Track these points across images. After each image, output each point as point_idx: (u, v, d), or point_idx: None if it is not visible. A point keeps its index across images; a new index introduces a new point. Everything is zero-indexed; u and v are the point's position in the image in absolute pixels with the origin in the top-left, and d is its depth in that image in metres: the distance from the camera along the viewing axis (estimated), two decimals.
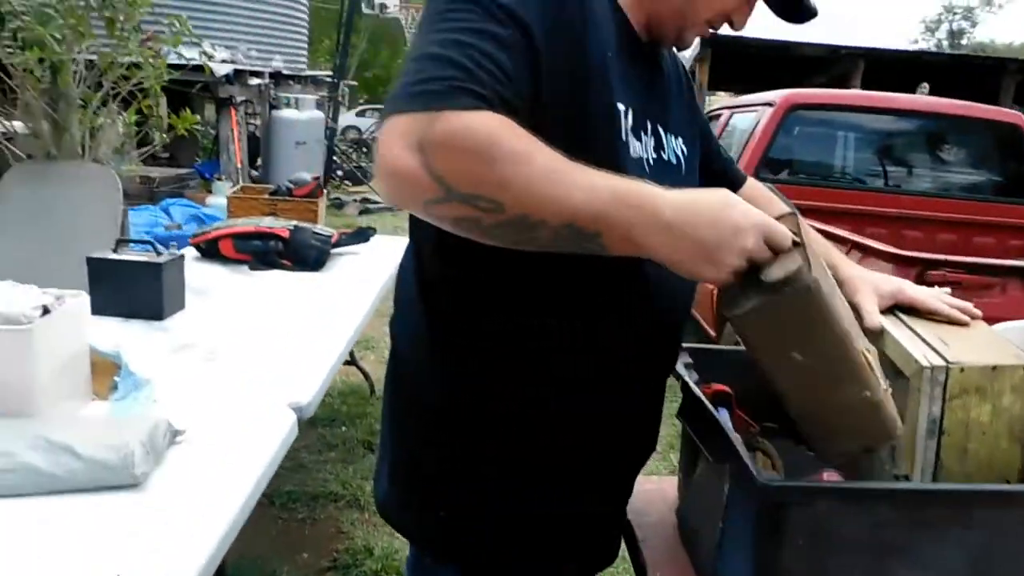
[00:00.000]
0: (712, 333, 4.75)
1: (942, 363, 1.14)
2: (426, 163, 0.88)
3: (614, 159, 1.08)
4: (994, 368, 1.15)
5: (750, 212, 0.98)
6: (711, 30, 1.23)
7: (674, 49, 1.36)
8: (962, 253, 4.89)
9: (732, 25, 1.23)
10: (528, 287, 1.11)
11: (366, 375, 4.33)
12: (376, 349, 5.12)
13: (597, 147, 1.06)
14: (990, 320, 2.32)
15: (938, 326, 1.28)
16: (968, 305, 1.33)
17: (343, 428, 3.92)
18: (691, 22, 1.20)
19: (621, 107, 1.12)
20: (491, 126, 0.90)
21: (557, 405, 1.17)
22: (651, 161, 1.20)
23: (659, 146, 1.24)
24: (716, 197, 0.98)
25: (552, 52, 1.02)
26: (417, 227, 1.19)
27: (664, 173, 1.22)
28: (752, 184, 1.55)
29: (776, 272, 0.96)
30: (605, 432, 1.22)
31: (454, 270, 1.14)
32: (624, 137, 1.13)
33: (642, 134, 1.19)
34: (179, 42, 3.87)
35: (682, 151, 1.30)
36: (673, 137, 1.29)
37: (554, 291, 1.11)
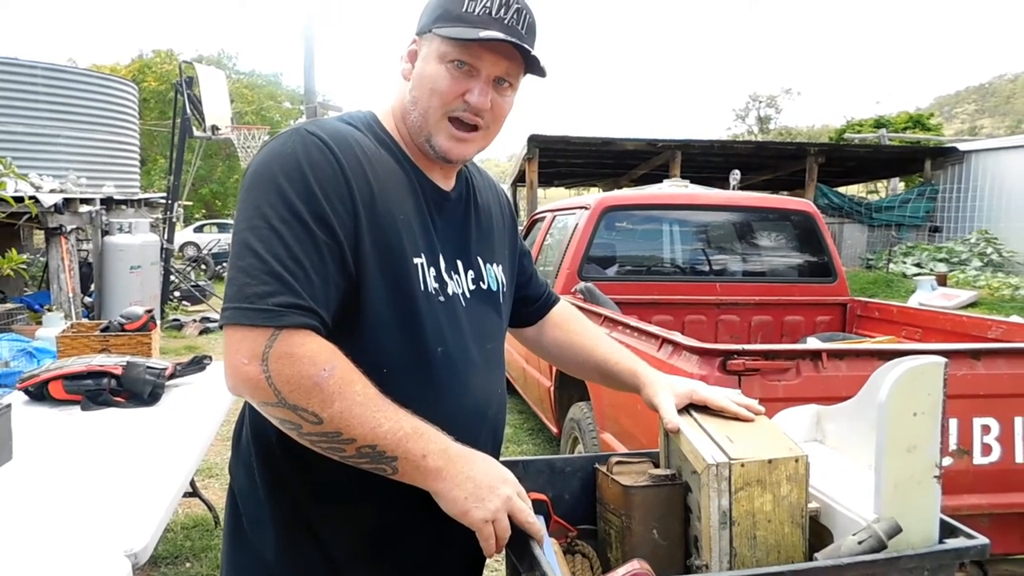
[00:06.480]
0: (555, 430, 4.94)
1: (726, 460, 1.26)
2: (267, 374, 1.12)
3: (416, 308, 1.30)
4: (770, 461, 1.27)
5: (516, 482, 1.24)
6: (462, 131, 1.33)
7: (502, 188, 1.60)
8: (776, 332, 5.25)
9: (471, 107, 1.31)
10: None
11: (209, 506, 4.19)
12: (219, 477, 4.95)
13: (400, 300, 1.29)
14: (790, 399, 2.60)
15: (727, 423, 1.41)
16: (753, 402, 1.47)
17: (187, 565, 3.76)
18: (431, 127, 1.34)
19: (418, 261, 1.32)
20: (320, 354, 1.14)
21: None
22: (467, 294, 1.41)
23: (478, 278, 1.46)
24: (492, 461, 1.24)
25: (356, 238, 1.24)
26: None
27: (484, 301, 1.46)
28: (564, 305, 1.79)
29: None
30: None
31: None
32: (424, 287, 1.32)
33: (454, 274, 1.40)
34: (3, 187, 3.82)
35: (501, 279, 1.52)
36: (493, 266, 1.51)
37: None
